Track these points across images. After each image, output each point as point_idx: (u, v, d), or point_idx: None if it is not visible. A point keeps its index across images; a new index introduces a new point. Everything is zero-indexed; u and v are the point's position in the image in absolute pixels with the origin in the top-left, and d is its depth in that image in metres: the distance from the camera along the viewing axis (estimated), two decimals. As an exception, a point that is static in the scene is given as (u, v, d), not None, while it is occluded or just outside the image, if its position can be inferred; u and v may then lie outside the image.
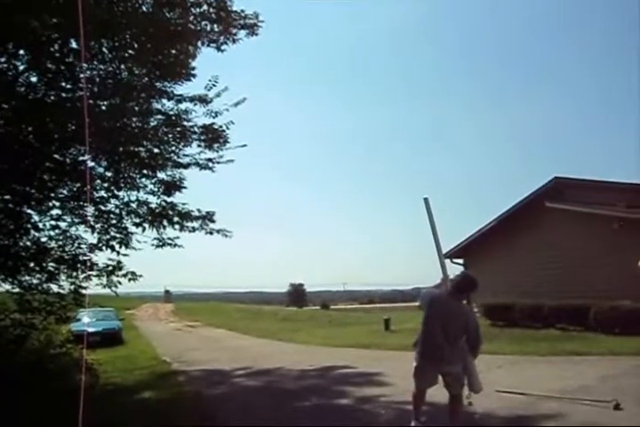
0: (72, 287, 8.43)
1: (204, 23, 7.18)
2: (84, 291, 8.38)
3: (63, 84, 7.53)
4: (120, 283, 8.07)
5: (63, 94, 7.63)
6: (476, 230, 20.83)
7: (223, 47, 7.57)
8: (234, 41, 7.53)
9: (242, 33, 7.50)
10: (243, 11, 7.26)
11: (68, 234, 8.41)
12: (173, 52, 7.22)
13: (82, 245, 8.29)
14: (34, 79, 7.60)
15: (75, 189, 8.08)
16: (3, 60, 7.33)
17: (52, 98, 7.63)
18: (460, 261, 21.32)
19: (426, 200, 5.42)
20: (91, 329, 15.19)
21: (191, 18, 7.04)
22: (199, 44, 7.62)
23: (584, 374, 8.01)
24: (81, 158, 8.07)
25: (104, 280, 8.04)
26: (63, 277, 8.39)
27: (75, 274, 8.34)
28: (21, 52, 7.04)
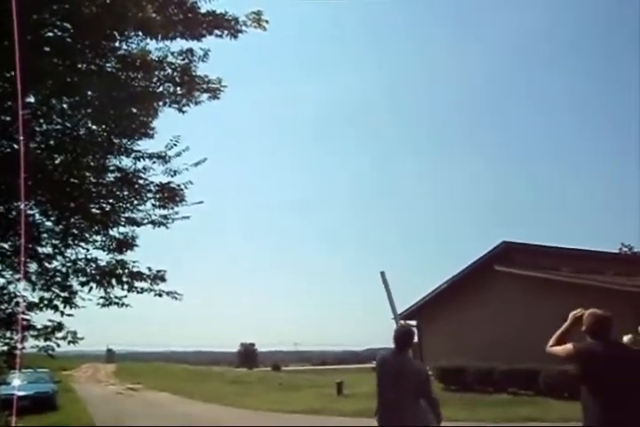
0: (5, 349, 7.86)
1: (166, 85, 7.30)
2: (17, 352, 7.81)
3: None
4: (58, 345, 7.60)
5: (15, 146, 7.48)
6: (428, 292, 21.08)
7: (185, 108, 7.68)
8: (196, 103, 7.67)
9: (204, 96, 7.65)
10: (206, 76, 7.45)
11: (5, 291, 7.94)
12: (134, 110, 7.27)
13: (20, 304, 7.83)
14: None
15: (18, 243, 7.72)
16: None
17: (3, 150, 7.46)
18: (413, 322, 21.32)
19: (382, 274, 5.52)
20: (20, 393, 13.99)
21: (154, 79, 7.16)
22: (160, 103, 7.70)
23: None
24: (29, 212, 7.80)
25: (41, 342, 7.56)
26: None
27: (8, 334, 7.80)
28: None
